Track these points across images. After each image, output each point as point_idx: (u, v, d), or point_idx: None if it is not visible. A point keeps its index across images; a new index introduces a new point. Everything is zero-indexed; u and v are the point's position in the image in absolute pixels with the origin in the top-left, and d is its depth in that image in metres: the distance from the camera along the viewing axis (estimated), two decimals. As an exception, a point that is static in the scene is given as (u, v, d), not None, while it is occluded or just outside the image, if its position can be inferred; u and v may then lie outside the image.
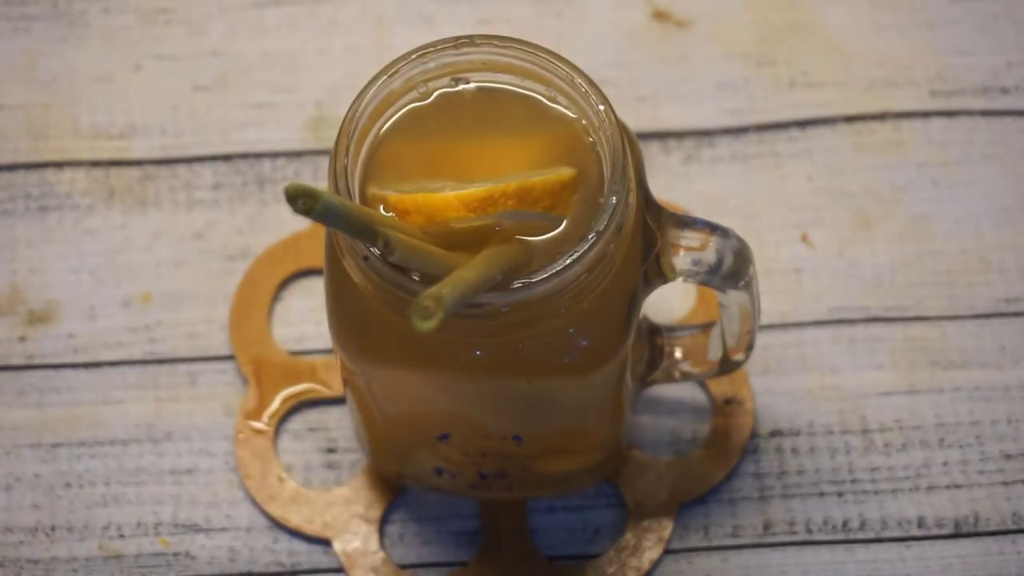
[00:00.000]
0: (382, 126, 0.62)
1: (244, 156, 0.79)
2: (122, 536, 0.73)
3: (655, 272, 0.63)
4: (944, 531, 0.73)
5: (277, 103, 0.80)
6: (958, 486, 0.73)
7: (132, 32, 0.81)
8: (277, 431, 0.74)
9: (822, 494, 0.73)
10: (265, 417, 0.74)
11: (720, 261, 0.63)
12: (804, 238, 0.78)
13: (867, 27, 0.81)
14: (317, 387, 0.75)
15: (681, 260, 0.63)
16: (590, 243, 0.58)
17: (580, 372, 0.62)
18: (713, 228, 0.63)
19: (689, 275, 0.64)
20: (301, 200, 0.52)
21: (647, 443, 0.74)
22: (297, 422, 0.75)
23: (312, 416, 0.75)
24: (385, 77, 0.61)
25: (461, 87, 0.62)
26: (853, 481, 0.73)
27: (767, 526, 0.73)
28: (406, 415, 0.67)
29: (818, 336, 0.76)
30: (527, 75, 0.62)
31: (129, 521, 0.73)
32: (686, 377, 0.71)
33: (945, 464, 0.74)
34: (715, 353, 0.69)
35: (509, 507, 0.73)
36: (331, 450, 0.74)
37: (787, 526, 0.73)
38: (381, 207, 0.60)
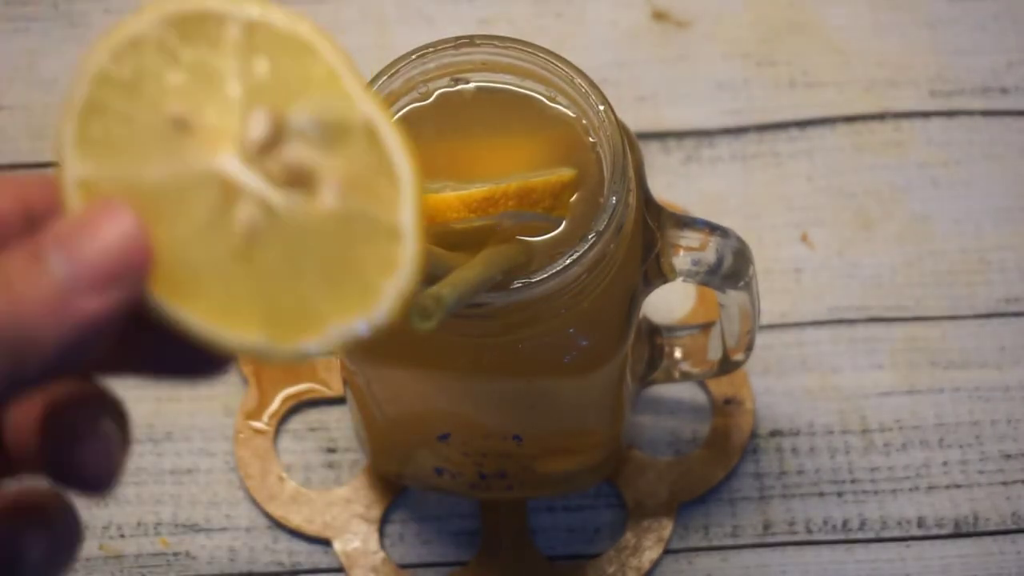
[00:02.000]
0: (382, 126, 0.62)
1: (244, 156, 0.79)
2: (122, 536, 0.73)
3: (655, 272, 0.63)
4: (944, 531, 0.72)
5: (277, 103, 0.80)
6: (958, 486, 0.73)
7: (132, 32, 0.81)
8: (277, 431, 0.74)
9: (822, 494, 0.73)
10: (265, 417, 0.74)
11: (720, 261, 0.63)
12: (804, 238, 0.78)
13: (867, 27, 0.81)
14: (317, 387, 0.75)
15: (681, 260, 0.63)
16: (590, 243, 0.58)
17: (580, 372, 0.62)
18: (713, 228, 0.63)
19: (689, 275, 0.63)
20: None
21: (647, 443, 0.74)
22: (297, 422, 0.75)
23: (312, 416, 0.75)
24: (385, 77, 0.61)
25: (461, 87, 0.62)
26: (853, 481, 0.73)
27: (767, 526, 0.73)
28: (406, 415, 0.67)
29: (818, 336, 0.76)
30: (527, 75, 0.62)
31: (129, 521, 0.73)
32: (686, 377, 0.71)
33: (945, 464, 0.74)
34: (715, 353, 0.69)
35: (509, 507, 0.73)
36: (331, 450, 0.74)
37: (787, 526, 0.73)
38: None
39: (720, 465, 0.73)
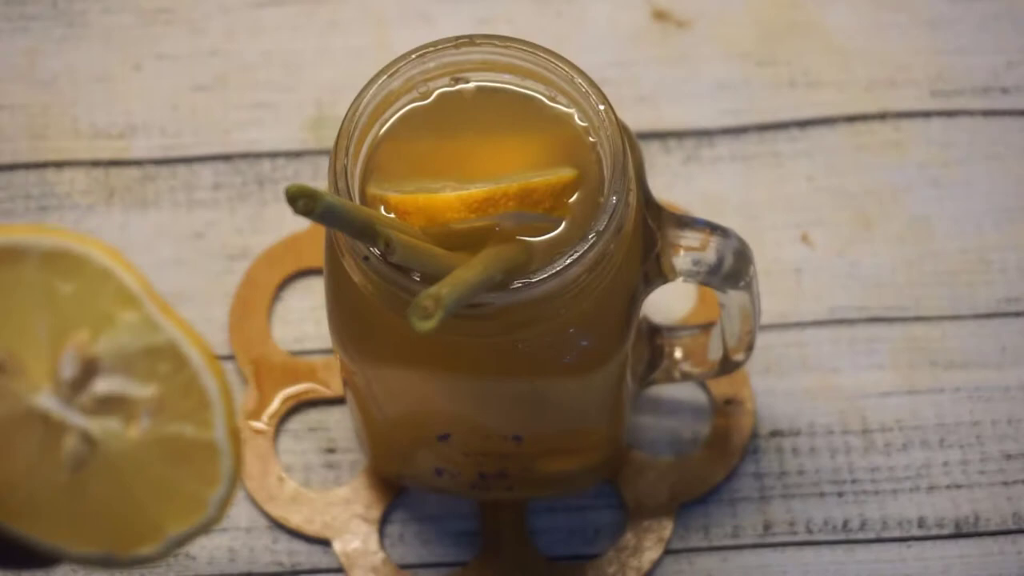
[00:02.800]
0: (382, 126, 0.62)
1: (244, 156, 0.79)
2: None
3: (655, 272, 0.63)
4: (945, 531, 0.72)
5: (277, 103, 0.80)
6: (959, 486, 0.73)
7: (132, 32, 0.81)
8: (277, 431, 0.74)
9: (822, 494, 0.73)
10: (265, 417, 0.74)
11: (720, 261, 0.63)
12: (804, 238, 0.77)
13: (868, 26, 0.81)
14: (317, 387, 0.75)
15: (681, 260, 0.63)
16: (590, 243, 0.58)
17: (580, 372, 0.62)
18: (713, 228, 0.63)
19: (689, 275, 0.63)
20: (302, 201, 0.52)
21: (647, 443, 0.74)
22: (297, 422, 0.75)
23: (312, 416, 0.75)
24: (385, 77, 0.61)
25: (461, 87, 0.62)
26: (853, 481, 0.73)
27: (767, 526, 0.73)
28: (406, 415, 0.67)
29: (818, 336, 0.76)
30: (527, 75, 0.62)
31: (129, 521, 0.73)
32: (686, 377, 0.71)
33: (945, 464, 0.73)
34: (715, 353, 0.69)
35: (509, 507, 0.72)
36: (331, 450, 0.74)
37: (787, 526, 0.73)
38: (381, 207, 0.60)
39: (720, 465, 0.73)
